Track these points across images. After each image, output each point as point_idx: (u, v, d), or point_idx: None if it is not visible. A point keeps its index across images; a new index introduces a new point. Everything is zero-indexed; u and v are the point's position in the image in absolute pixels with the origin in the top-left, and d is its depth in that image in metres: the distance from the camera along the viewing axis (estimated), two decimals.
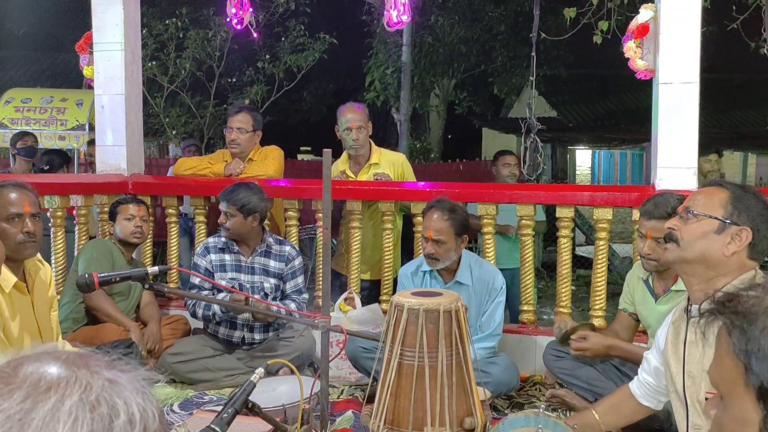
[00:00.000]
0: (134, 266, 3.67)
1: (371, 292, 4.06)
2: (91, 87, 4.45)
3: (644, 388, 2.24)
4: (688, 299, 2.01)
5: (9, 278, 2.50)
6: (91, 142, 5.92)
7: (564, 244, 3.73)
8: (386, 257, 3.92)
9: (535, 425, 2.19)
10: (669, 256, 1.99)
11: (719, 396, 0.93)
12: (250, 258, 3.56)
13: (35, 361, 0.65)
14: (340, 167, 4.12)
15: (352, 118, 4.00)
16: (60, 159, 6.17)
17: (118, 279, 2.49)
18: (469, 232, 3.38)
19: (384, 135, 14.59)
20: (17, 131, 6.67)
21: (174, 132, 10.74)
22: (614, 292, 4.66)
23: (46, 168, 5.82)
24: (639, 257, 2.91)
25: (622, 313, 3.15)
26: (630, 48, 3.57)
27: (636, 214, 3.29)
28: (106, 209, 4.12)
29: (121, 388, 0.64)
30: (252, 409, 1.99)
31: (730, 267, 1.88)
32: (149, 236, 4.26)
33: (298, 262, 3.63)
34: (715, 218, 1.88)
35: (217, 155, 4.44)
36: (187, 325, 3.88)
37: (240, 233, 3.49)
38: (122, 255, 3.69)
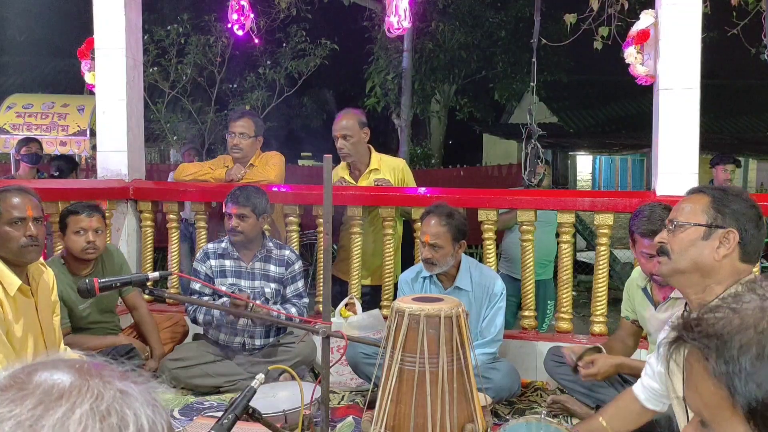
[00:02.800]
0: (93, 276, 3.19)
1: (372, 298, 4.06)
2: (92, 92, 4.46)
3: (648, 393, 2.23)
4: (686, 305, 2.01)
5: (14, 281, 2.50)
6: (96, 147, 5.94)
7: (565, 250, 3.73)
8: (387, 263, 3.92)
9: (537, 431, 2.18)
10: (663, 269, 1.99)
11: (699, 421, 0.90)
12: (251, 263, 3.55)
13: (50, 368, 0.65)
14: (339, 173, 4.12)
15: (339, 127, 3.98)
16: (69, 165, 6.18)
17: (118, 284, 2.49)
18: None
19: (384, 140, 14.62)
20: (21, 137, 6.69)
21: (175, 137, 10.75)
22: (615, 297, 4.66)
23: (56, 174, 5.83)
24: (646, 276, 2.89)
25: (624, 320, 3.14)
26: (630, 54, 3.57)
27: None
28: (107, 214, 4.11)
29: (131, 399, 0.64)
30: (252, 415, 1.98)
31: (724, 272, 1.87)
32: (149, 242, 4.28)
33: (298, 266, 3.63)
34: (700, 225, 1.89)
35: (218, 160, 4.44)
36: (185, 327, 3.86)
37: (252, 235, 3.49)
38: (70, 277, 3.32)
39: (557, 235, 4.68)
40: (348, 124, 3.98)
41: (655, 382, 2.20)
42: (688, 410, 1.92)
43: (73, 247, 3.31)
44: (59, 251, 3.82)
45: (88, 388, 0.63)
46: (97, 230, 3.33)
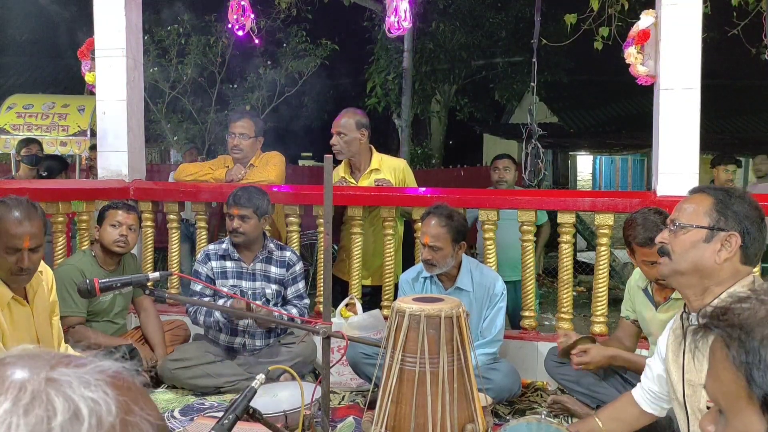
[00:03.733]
0: (117, 275, 3.46)
1: (372, 298, 4.06)
2: (92, 93, 4.46)
3: (647, 395, 2.23)
4: (685, 306, 2.00)
5: (5, 294, 2.48)
6: (93, 148, 5.92)
7: (565, 250, 3.73)
8: (387, 263, 3.92)
9: (537, 431, 2.18)
10: (663, 270, 1.98)
11: (717, 410, 0.92)
12: (251, 264, 3.56)
13: None
14: (340, 173, 4.12)
15: (336, 123, 4.03)
16: (59, 165, 6.16)
17: (119, 285, 2.48)
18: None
19: (385, 141, 14.61)
20: (21, 137, 6.68)
21: (175, 138, 10.75)
22: (616, 297, 4.66)
23: (43, 174, 5.81)
24: (653, 283, 2.88)
25: (624, 320, 3.14)
26: (631, 54, 3.57)
27: None
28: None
29: (62, 385, 0.60)
30: (253, 415, 1.98)
31: (724, 274, 1.86)
32: (150, 242, 4.28)
33: (299, 267, 3.63)
34: (702, 227, 1.87)
35: (218, 161, 4.44)
36: (187, 331, 3.88)
37: (252, 237, 3.49)
38: (98, 269, 3.48)
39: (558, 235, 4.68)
40: (344, 122, 4.00)
41: (655, 385, 2.20)
42: (689, 409, 1.93)
43: (107, 238, 3.48)
44: (61, 257, 3.85)
45: (10, 384, 0.59)
46: (131, 227, 3.52)
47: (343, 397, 3.40)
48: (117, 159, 4.31)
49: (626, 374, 2.97)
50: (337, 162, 3.89)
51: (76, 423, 0.58)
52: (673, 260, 1.92)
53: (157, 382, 3.53)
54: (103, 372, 0.63)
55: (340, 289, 4.03)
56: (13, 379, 0.60)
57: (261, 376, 2.02)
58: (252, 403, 1.94)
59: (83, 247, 3.97)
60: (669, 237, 1.95)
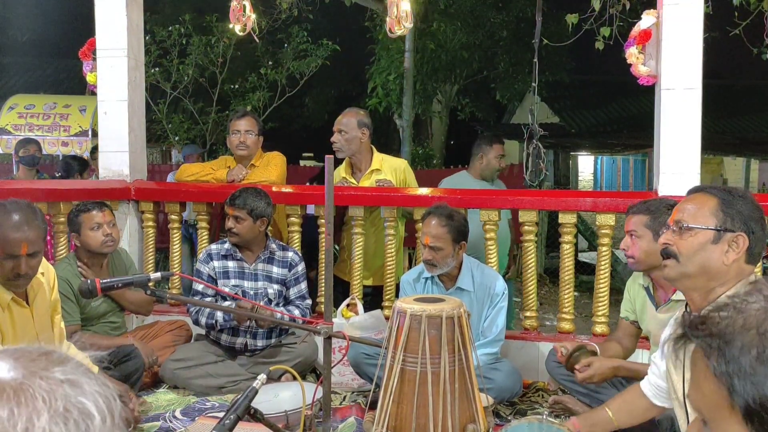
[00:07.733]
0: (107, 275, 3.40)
1: (373, 298, 4.06)
2: (94, 93, 4.46)
3: (655, 390, 2.23)
4: (686, 306, 1.99)
5: (4, 296, 2.46)
6: (95, 149, 5.92)
7: (566, 250, 3.73)
8: (388, 263, 3.92)
9: None
10: (670, 272, 1.93)
11: (701, 421, 0.91)
12: (253, 264, 3.56)
13: None
14: (341, 173, 4.13)
15: (337, 121, 4.06)
16: (79, 165, 6.15)
17: (120, 285, 2.49)
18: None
19: (386, 141, 14.62)
20: (21, 137, 6.68)
21: (177, 138, 10.76)
22: (617, 298, 4.65)
23: (57, 175, 5.82)
24: (647, 276, 2.88)
25: (623, 321, 3.13)
26: (632, 54, 3.57)
27: None
28: None
29: (82, 385, 0.59)
30: (254, 416, 1.98)
31: (730, 275, 1.85)
32: (151, 242, 4.28)
33: (301, 267, 3.63)
34: (710, 229, 1.85)
35: (219, 161, 4.44)
36: (189, 331, 3.87)
37: (248, 238, 3.49)
38: (83, 274, 3.36)
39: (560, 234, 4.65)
40: (346, 120, 4.04)
41: (662, 381, 2.19)
42: (689, 410, 1.92)
43: (92, 243, 3.34)
44: (62, 252, 3.84)
45: (34, 393, 0.57)
46: (110, 223, 3.40)
47: (345, 397, 3.40)
48: (118, 159, 4.31)
49: None
50: (338, 162, 3.90)
51: (103, 425, 0.58)
52: (680, 263, 1.89)
53: (157, 381, 3.53)
54: (85, 362, 0.63)
55: (341, 290, 4.04)
56: (35, 388, 0.57)
57: (262, 376, 2.02)
58: (253, 404, 1.94)
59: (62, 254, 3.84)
60: (674, 238, 1.91)
